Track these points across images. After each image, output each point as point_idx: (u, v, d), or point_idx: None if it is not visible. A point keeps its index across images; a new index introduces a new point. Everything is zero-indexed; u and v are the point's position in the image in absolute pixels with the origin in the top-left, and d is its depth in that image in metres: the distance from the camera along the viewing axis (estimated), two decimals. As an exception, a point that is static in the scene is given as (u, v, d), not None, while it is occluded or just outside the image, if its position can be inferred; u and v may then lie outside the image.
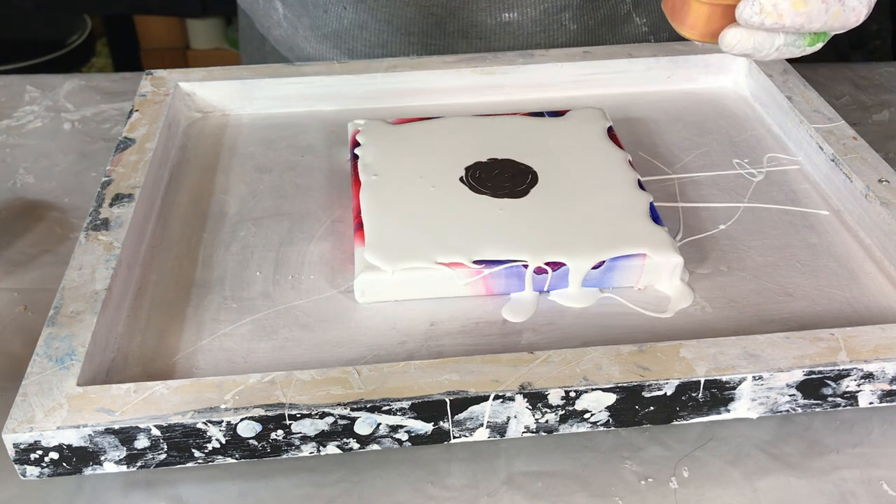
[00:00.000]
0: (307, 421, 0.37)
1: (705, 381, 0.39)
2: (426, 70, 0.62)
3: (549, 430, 0.39)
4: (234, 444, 0.38)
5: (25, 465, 0.37)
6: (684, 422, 0.40)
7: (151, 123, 0.55)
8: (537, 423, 0.39)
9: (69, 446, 0.37)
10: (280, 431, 0.37)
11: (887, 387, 0.40)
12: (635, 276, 0.46)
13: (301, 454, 0.39)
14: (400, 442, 0.39)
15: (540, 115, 0.57)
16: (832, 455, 0.41)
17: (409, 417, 0.38)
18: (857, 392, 0.40)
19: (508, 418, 0.39)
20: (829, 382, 0.39)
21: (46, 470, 0.37)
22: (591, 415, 0.39)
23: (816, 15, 0.40)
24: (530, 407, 0.38)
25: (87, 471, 0.38)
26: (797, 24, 0.40)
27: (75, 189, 0.58)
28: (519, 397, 0.38)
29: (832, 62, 0.75)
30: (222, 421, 0.37)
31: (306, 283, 0.47)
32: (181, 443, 0.37)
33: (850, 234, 0.50)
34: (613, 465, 0.40)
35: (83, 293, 0.43)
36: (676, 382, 0.38)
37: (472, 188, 0.50)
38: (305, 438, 0.38)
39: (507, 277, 0.45)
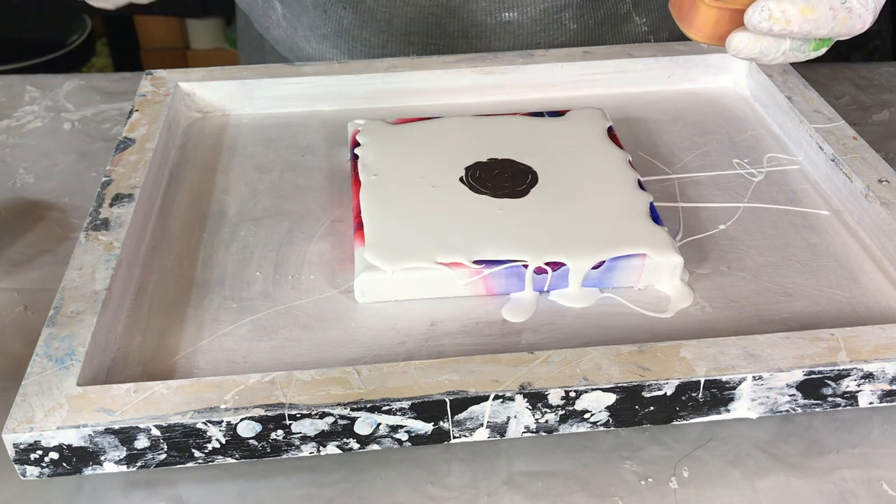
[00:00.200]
0: (307, 421, 0.37)
1: (705, 381, 0.39)
2: (426, 70, 0.62)
3: (549, 430, 0.39)
4: (234, 444, 0.38)
5: (25, 465, 0.37)
6: (684, 422, 0.40)
7: (151, 123, 0.55)
8: (537, 423, 0.39)
9: (69, 446, 0.37)
10: (280, 431, 0.37)
11: (887, 387, 0.40)
12: (635, 276, 0.46)
13: (301, 454, 0.39)
14: (400, 442, 0.39)
15: (540, 115, 0.57)
16: (832, 455, 0.41)
17: (409, 417, 0.38)
18: (857, 392, 0.40)
19: (508, 418, 0.39)
20: (829, 382, 0.39)
21: (46, 470, 0.37)
22: (591, 415, 0.39)
23: (824, 21, 0.40)
24: (530, 407, 0.38)
25: (87, 471, 0.38)
26: (805, 31, 0.41)
27: (75, 189, 0.58)
28: (519, 397, 0.38)
29: (832, 62, 0.75)
30: (222, 421, 0.37)
31: (306, 283, 0.47)
32: (181, 443, 0.37)
33: (850, 234, 0.50)
34: (613, 465, 0.40)
35: (83, 293, 0.43)
36: (676, 382, 0.38)
37: (472, 188, 0.50)
38: (305, 438, 0.38)
39: (507, 277, 0.45)
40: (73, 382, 0.38)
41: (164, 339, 0.44)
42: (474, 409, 0.38)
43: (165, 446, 0.37)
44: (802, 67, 0.64)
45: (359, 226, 0.47)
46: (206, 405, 0.37)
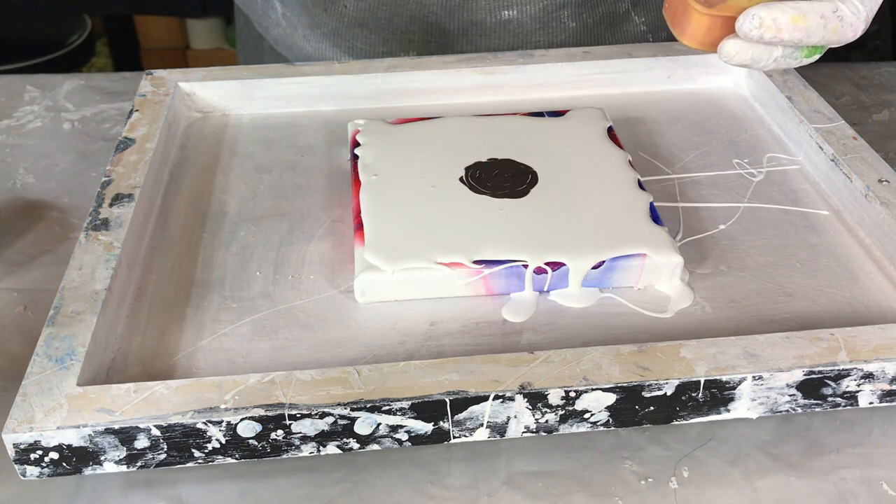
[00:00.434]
0: (307, 421, 0.37)
1: (705, 381, 0.39)
2: (426, 70, 0.62)
3: (549, 430, 0.39)
4: (234, 444, 0.38)
5: (25, 465, 0.37)
6: (684, 422, 0.40)
7: (151, 123, 0.55)
8: (537, 423, 0.39)
9: (69, 446, 0.37)
10: (280, 431, 0.37)
11: (887, 387, 0.40)
12: (635, 276, 0.46)
13: (301, 454, 0.39)
14: (400, 442, 0.39)
15: (540, 115, 0.57)
16: (832, 455, 0.41)
17: (409, 417, 0.38)
18: (857, 392, 0.40)
19: (508, 418, 0.39)
20: (829, 382, 0.39)
21: (46, 470, 0.37)
22: (591, 415, 0.39)
23: (815, 30, 0.41)
24: (530, 407, 0.38)
25: (87, 471, 0.38)
26: (795, 39, 0.41)
27: (75, 189, 0.58)
28: (519, 397, 0.38)
29: (832, 62, 0.75)
30: (222, 421, 0.37)
31: (306, 283, 0.47)
32: (181, 443, 0.37)
33: (850, 234, 0.50)
34: (613, 465, 0.40)
35: (83, 293, 0.43)
36: (676, 382, 0.38)
37: (472, 188, 0.50)
38: (305, 438, 0.38)
39: (507, 277, 0.45)
40: (73, 382, 0.38)
41: (164, 339, 0.44)
42: (474, 409, 0.38)
43: (165, 446, 0.37)
44: (802, 67, 0.64)
45: (359, 226, 0.47)
46: (206, 405, 0.37)
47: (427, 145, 0.53)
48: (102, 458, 0.37)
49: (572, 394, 0.38)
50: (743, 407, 0.40)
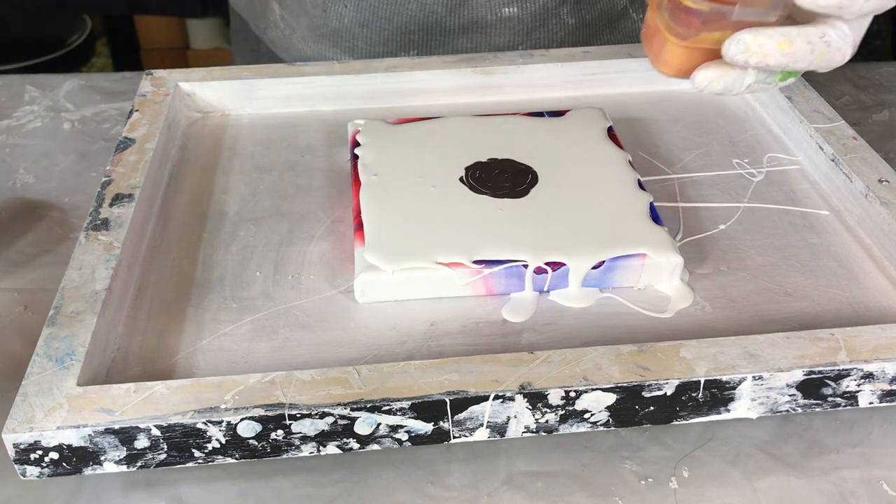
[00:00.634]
0: (307, 421, 0.37)
1: (705, 381, 0.39)
2: (426, 70, 0.62)
3: (549, 430, 0.39)
4: (234, 444, 0.38)
5: (25, 465, 0.37)
6: (684, 422, 0.40)
7: (151, 123, 0.55)
8: (537, 423, 0.39)
9: (69, 446, 0.37)
10: (280, 431, 0.37)
11: (887, 387, 0.40)
12: (635, 276, 0.46)
13: (301, 454, 0.39)
14: (400, 442, 0.39)
15: (540, 115, 0.57)
16: (832, 455, 0.41)
17: (409, 417, 0.38)
18: (857, 392, 0.40)
19: (508, 418, 0.39)
20: (829, 382, 0.39)
21: (46, 470, 0.37)
22: (591, 415, 0.39)
23: (802, 56, 0.40)
24: (530, 407, 0.38)
25: (87, 471, 0.38)
26: (782, 64, 0.40)
27: (75, 189, 0.58)
28: (519, 397, 0.38)
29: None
30: (222, 421, 0.37)
31: (306, 283, 0.47)
32: (181, 443, 0.37)
33: (850, 234, 0.50)
34: (613, 465, 0.40)
35: (83, 293, 0.43)
36: (676, 382, 0.38)
37: (472, 188, 0.50)
38: (305, 438, 0.38)
39: (507, 277, 0.45)
40: (73, 382, 0.38)
41: (164, 339, 0.44)
42: (474, 409, 0.38)
43: (165, 446, 0.37)
44: (802, 67, 0.64)
45: (359, 226, 0.47)
46: (206, 405, 0.37)
47: (427, 145, 0.53)
48: (102, 458, 0.37)
49: (572, 394, 0.38)
50: (743, 407, 0.40)
